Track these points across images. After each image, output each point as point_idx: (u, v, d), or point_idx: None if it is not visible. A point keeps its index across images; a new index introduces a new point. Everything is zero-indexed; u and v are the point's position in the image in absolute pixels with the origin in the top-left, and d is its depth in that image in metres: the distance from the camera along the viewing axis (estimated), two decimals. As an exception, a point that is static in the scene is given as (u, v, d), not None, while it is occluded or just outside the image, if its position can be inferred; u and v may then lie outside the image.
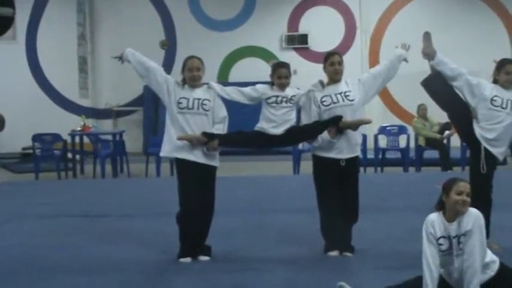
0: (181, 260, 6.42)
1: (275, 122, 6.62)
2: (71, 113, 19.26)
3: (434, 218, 4.82)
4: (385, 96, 18.37)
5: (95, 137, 15.99)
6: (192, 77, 6.47)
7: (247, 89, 6.75)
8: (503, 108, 6.52)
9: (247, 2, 19.55)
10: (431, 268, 4.66)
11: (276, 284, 5.70)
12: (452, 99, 6.78)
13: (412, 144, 14.94)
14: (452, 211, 4.73)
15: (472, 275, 4.63)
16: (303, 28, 19.48)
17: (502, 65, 6.70)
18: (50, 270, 6.32)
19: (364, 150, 14.06)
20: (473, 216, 4.76)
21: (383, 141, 15.03)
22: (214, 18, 19.58)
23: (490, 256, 4.98)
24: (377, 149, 14.79)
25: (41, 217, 9.38)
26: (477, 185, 6.40)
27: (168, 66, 16.83)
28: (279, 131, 6.63)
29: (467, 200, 4.71)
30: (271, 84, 6.73)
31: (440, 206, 4.83)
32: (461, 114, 6.82)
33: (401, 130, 15.14)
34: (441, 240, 4.72)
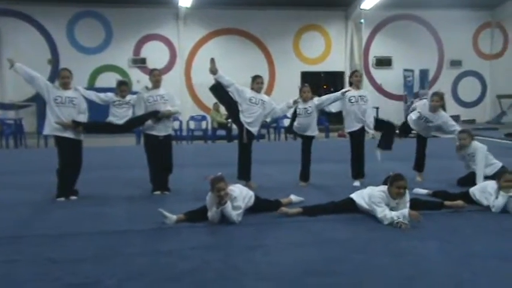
0: (58, 199, 6.17)
1: (118, 116, 6.51)
2: (-15, 105, 17.51)
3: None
4: (194, 96, 18.51)
5: (1, 121, 15.03)
6: (63, 82, 6.21)
7: (102, 94, 6.56)
8: (256, 104, 6.79)
9: (107, 36, 18.75)
10: None
11: (121, 212, 5.61)
12: (227, 99, 6.92)
13: (210, 126, 15.21)
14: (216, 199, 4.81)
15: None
16: (143, 54, 18.95)
17: (254, 78, 6.96)
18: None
19: (180, 130, 14.15)
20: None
21: (192, 125, 15.09)
22: (84, 46, 18.59)
23: (249, 192, 5.23)
24: (188, 129, 14.88)
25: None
26: (241, 149, 6.91)
27: (53, 76, 15.68)
28: (121, 122, 6.52)
29: (222, 194, 4.75)
30: (117, 93, 6.56)
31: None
32: (233, 108, 6.93)
33: (203, 118, 15.40)
34: None
